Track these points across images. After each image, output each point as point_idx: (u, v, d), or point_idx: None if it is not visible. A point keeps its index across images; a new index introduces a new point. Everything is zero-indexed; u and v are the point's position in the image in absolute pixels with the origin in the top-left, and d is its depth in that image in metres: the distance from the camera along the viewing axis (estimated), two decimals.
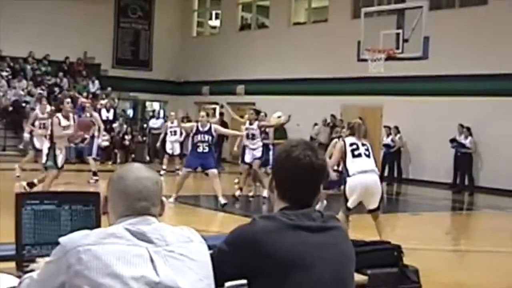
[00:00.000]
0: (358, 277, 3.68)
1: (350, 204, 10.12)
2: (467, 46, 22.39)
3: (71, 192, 3.99)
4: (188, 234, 2.72)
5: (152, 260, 2.54)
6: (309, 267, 2.78)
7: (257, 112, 17.21)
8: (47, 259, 2.69)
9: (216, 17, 35.45)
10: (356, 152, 10.19)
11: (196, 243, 2.72)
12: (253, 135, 16.51)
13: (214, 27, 35.78)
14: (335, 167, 11.98)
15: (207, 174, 15.83)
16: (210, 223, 13.19)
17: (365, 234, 7.90)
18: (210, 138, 15.09)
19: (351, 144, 10.24)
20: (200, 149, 15.02)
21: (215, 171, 15.10)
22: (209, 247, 2.81)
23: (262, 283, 2.79)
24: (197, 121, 15.60)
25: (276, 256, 2.75)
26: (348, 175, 10.18)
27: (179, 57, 34.22)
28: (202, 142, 15.01)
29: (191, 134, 15.29)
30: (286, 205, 2.93)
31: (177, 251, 2.62)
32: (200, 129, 15.12)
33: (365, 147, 10.33)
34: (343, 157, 10.31)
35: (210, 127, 15.21)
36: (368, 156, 10.29)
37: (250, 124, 16.68)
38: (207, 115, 16.47)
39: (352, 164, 10.15)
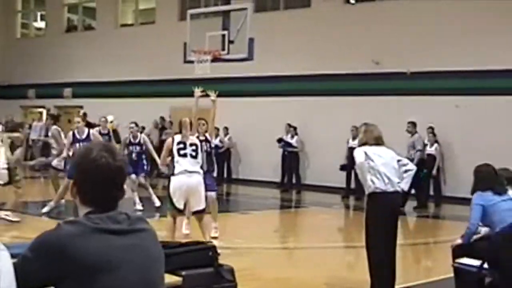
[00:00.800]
0: (172, 279, 3.69)
1: (176, 204, 10.24)
2: (292, 47, 22.93)
3: None
4: None
5: None
6: (115, 270, 2.77)
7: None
8: None
9: (42, 19, 34.57)
10: (182, 152, 10.45)
11: None
12: None
13: (39, 29, 34.89)
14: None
15: None
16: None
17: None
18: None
19: (178, 143, 10.51)
20: None
21: None
22: (13, 255, 2.72)
23: (68, 287, 2.73)
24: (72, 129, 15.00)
25: (81, 260, 2.72)
26: (173, 174, 10.38)
27: (3, 59, 33.15)
28: None
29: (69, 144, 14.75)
30: (90, 209, 2.90)
31: None
32: (78, 136, 14.61)
33: (193, 147, 10.52)
34: (171, 154, 10.55)
35: (88, 133, 14.70)
36: (194, 157, 10.49)
37: None
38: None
39: (177, 164, 10.38)
